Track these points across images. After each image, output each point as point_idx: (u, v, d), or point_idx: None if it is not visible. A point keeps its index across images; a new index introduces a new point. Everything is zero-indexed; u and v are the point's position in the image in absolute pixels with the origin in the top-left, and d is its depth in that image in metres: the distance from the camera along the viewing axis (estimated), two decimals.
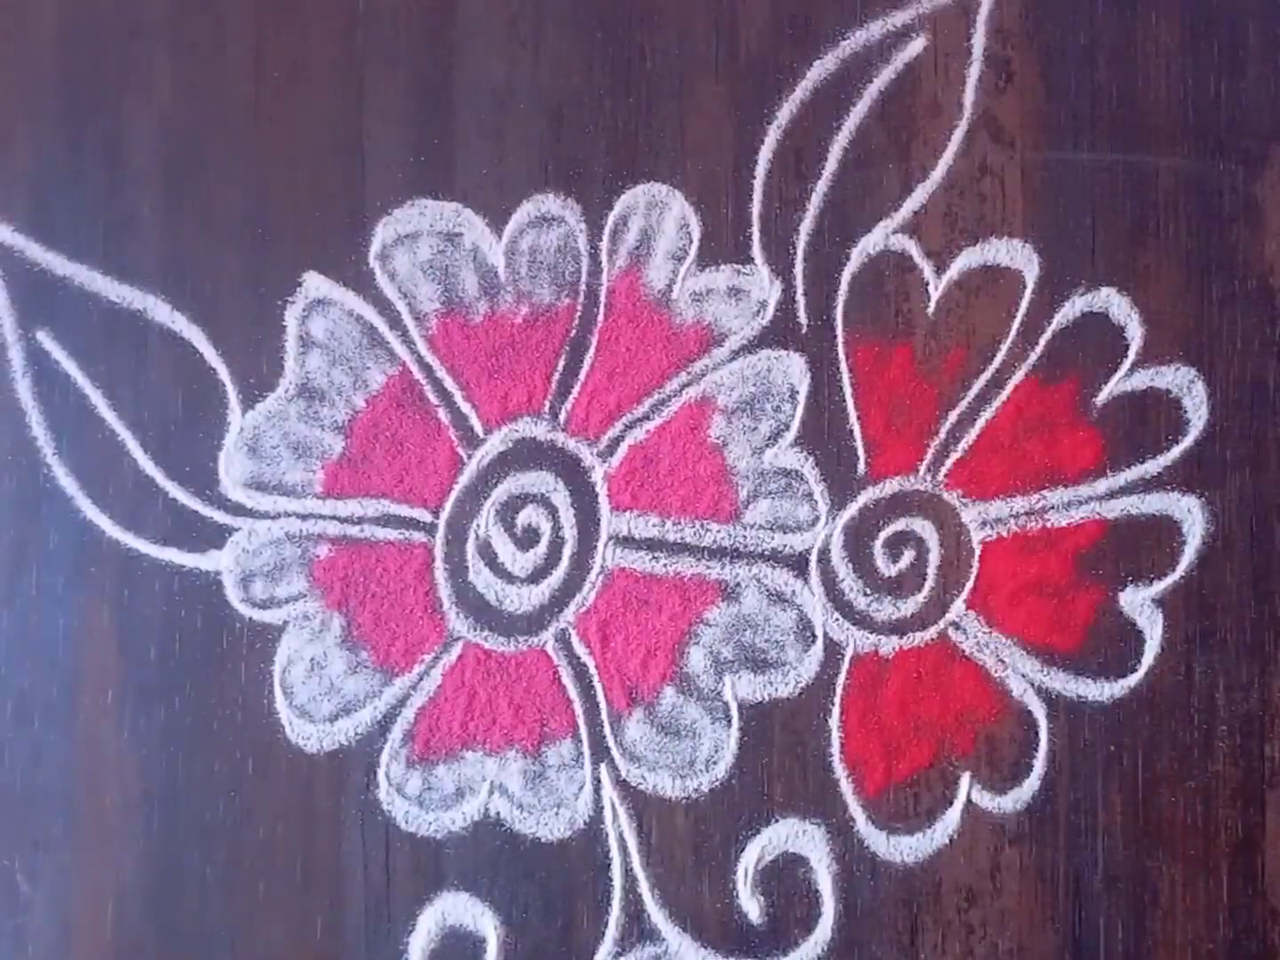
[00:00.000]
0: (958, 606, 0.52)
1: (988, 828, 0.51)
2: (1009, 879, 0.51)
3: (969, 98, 0.53)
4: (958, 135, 0.53)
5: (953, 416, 0.52)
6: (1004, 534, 0.52)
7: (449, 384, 0.52)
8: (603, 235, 0.53)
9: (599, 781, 0.51)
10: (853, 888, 0.51)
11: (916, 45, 0.53)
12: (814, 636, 0.52)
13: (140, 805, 0.52)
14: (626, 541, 0.52)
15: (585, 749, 0.52)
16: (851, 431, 0.52)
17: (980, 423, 0.52)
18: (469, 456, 0.52)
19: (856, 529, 0.52)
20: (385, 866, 0.51)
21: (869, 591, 0.52)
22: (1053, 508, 0.52)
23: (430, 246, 0.53)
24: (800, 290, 0.52)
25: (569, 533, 0.52)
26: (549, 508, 0.52)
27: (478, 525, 0.52)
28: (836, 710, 0.52)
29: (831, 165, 0.53)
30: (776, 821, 0.51)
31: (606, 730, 0.52)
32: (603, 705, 0.52)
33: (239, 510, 0.52)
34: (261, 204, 0.53)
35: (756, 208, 0.53)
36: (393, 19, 0.53)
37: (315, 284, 0.52)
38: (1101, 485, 0.52)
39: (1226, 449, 0.52)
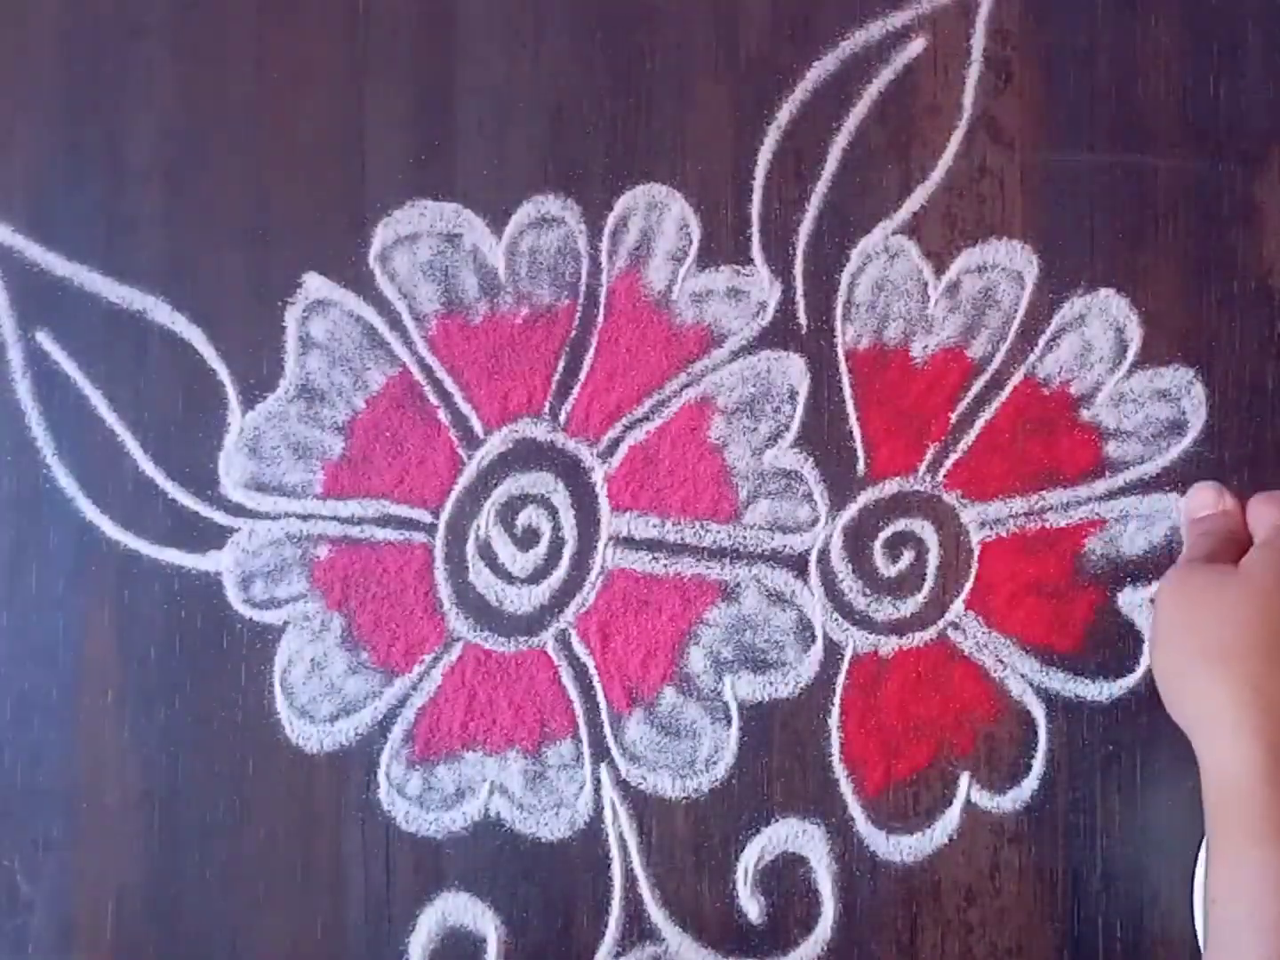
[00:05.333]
0: (957, 607, 0.52)
1: (987, 827, 0.51)
2: (1008, 878, 0.51)
3: (968, 98, 0.53)
4: (957, 136, 0.53)
5: (952, 417, 0.52)
6: (1003, 534, 0.52)
7: (449, 385, 0.52)
8: (602, 236, 0.53)
9: (599, 781, 0.52)
10: (853, 887, 0.51)
11: (916, 46, 0.53)
12: (814, 637, 0.52)
13: (140, 805, 0.52)
14: (626, 542, 0.52)
15: (585, 749, 0.52)
16: (851, 432, 0.52)
17: (979, 423, 0.52)
18: (469, 457, 0.52)
19: (856, 529, 0.52)
20: (385, 866, 0.51)
21: (869, 592, 0.52)
22: (1051, 508, 0.52)
23: (430, 247, 0.53)
24: (800, 291, 0.52)
25: (569, 533, 0.52)
26: (549, 508, 0.52)
27: (478, 526, 0.52)
28: (836, 710, 0.52)
29: (831, 166, 0.53)
30: (776, 821, 0.51)
31: (606, 730, 0.52)
32: (603, 705, 0.52)
33: (239, 511, 0.52)
34: (262, 204, 0.53)
35: (756, 208, 0.53)
36: (393, 19, 0.53)
37: (315, 285, 0.52)
38: (1100, 486, 0.52)
39: (1225, 450, 0.52)
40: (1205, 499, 0.50)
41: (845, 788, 0.51)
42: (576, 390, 0.52)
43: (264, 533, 0.52)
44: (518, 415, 0.53)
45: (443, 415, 0.52)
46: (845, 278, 0.52)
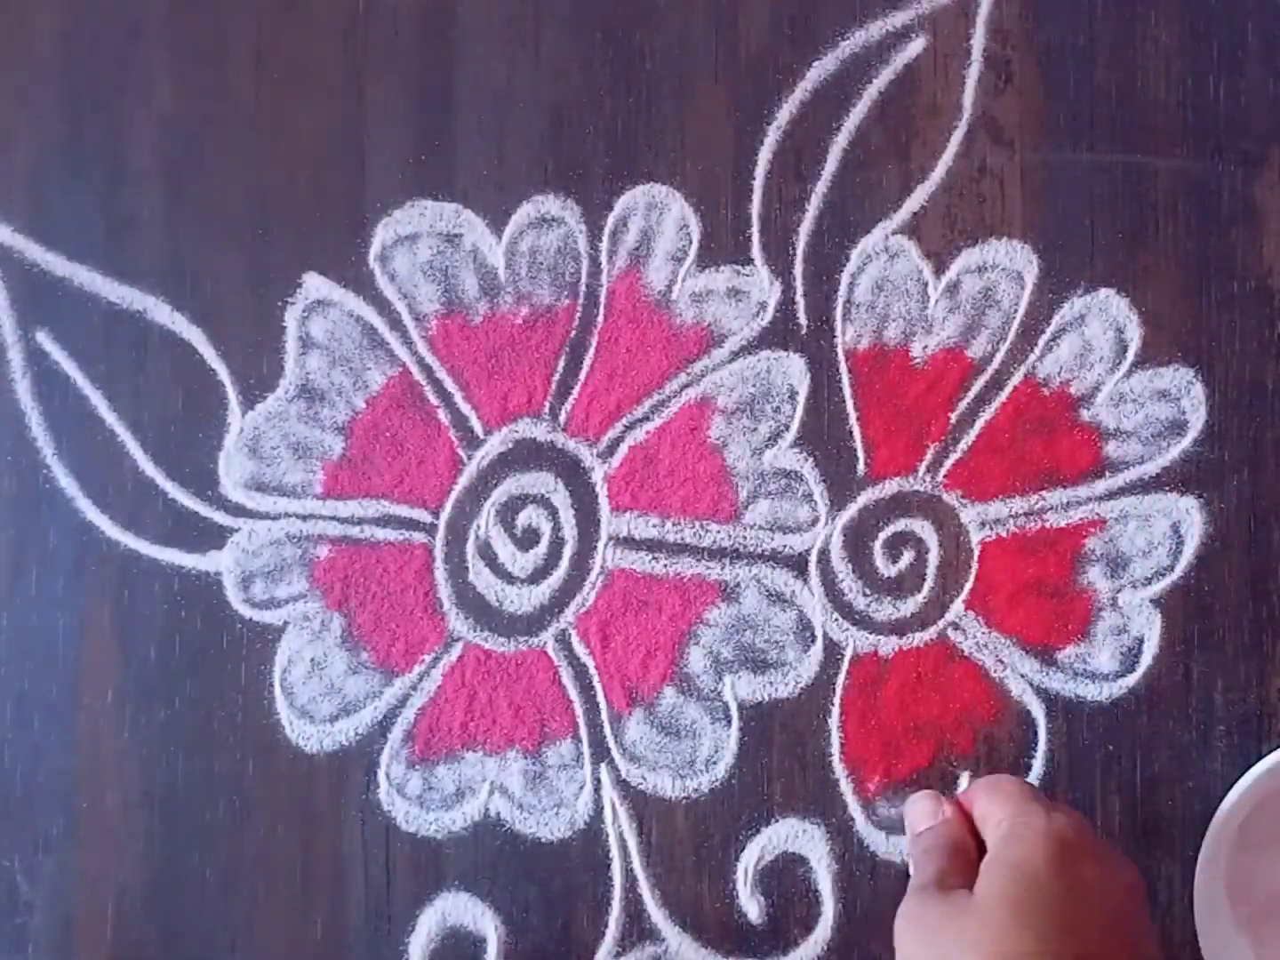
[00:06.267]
0: (957, 607, 0.52)
1: None
2: None
3: (968, 98, 0.53)
4: (957, 136, 0.53)
5: (952, 417, 0.52)
6: (1003, 534, 0.52)
7: (449, 385, 0.52)
8: (602, 236, 0.53)
9: (599, 781, 0.52)
10: (852, 887, 0.51)
11: (916, 46, 0.53)
12: (814, 637, 0.52)
13: (140, 805, 0.52)
14: (626, 542, 0.52)
15: (585, 749, 0.52)
16: (851, 432, 0.52)
17: (979, 424, 0.52)
18: (469, 457, 0.52)
19: (856, 529, 0.52)
20: (385, 866, 0.51)
21: (869, 592, 0.52)
22: (1051, 508, 0.52)
23: (430, 247, 0.53)
24: (800, 291, 0.52)
25: (569, 533, 0.52)
26: (549, 508, 0.52)
27: (478, 526, 0.52)
28: (836, 710, 0.52)
29: (831, 166, 0.53)
30: (776, 821, 0.51)
31: (606, 730, 0.52)
32: (603, 705, 0.52)
33: (239, 511, 0.52)
34: (261, 204, 0.53)
35: (756, 208, 0.53)
36: (393, 20, 0.53)
37: (315, 285, 0.52)
38: (1100, 486, 0.52)
39: (1225, 450, 0.52)
40: (923, 810, 0.48)
41: (845, 788, 0.51)
42: (576, 390, 0.52)
43: (264, 533, 0.52)
44: (518, 415, 0.53)
45: (443, 415, 0.52)
46: (845, 278, 0.52)
